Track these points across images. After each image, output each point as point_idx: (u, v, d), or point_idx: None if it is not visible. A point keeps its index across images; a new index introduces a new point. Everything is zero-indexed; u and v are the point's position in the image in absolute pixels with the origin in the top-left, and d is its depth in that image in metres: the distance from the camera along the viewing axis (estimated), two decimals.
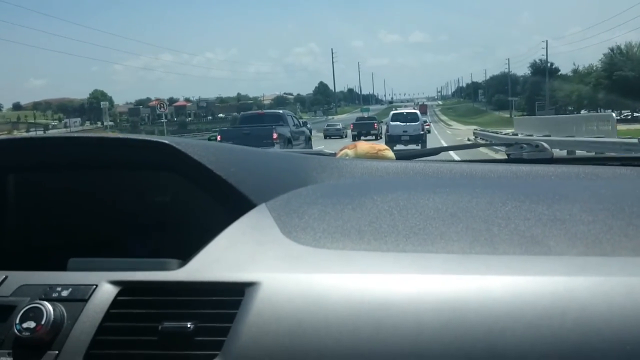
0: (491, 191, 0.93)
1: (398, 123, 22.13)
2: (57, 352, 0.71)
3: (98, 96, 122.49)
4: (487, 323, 0.62)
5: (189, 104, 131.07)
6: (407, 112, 24.17)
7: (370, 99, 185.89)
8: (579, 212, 0.79)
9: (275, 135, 14.48)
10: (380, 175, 1.12)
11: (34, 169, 1.09)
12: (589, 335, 0.60)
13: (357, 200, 0.89)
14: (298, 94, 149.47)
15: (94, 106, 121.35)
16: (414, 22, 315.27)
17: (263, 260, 0.75)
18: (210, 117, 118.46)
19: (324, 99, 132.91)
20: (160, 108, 36.96)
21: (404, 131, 21.61)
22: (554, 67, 74.43)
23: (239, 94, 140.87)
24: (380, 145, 1.37)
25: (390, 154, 1.34)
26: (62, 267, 0.81)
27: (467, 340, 0.62)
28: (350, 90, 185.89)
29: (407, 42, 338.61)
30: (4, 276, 0.79)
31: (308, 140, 17.72)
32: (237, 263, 0.75)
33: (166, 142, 0.95)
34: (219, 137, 15.31)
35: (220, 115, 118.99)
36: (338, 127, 40.79)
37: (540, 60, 75.04)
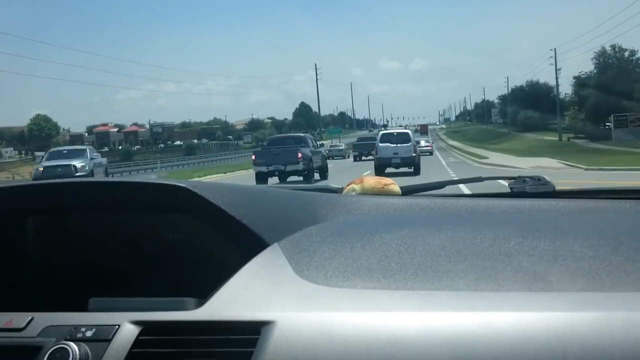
0: (495, 227, 0.95)
1: (388, 144, 20.33)
2: None
3: (41, 122, 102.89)
4: (493, 358, 0.64)
5: (143, 130, 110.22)
6: (397, 133, 21.96)
7: (365, 124, 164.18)
8: (580, 248, 0.81)
9: (300, 155, 17.32)
10: (387, 212, 1.15)
11: (54, 212, 1.13)
12: None
13: (365, 238, 0.91)
14: (273, 118, 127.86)
15: (34, 133, 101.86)
16: (413, 50, 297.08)
17: (278, 300, 0.76)
18: (161, 145, 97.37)
19: (305, 122, 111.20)
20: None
21: (394, 153, 20.05)
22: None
23: (215, 118, 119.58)
24: (387, 180, 1.38)
25: (396, 188, 1.34)
26: (84, 307, 0.84)
27: None
28: (342, 114, 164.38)
29: (407, 70, 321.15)
30: (30, 317, 0.82)
31: (324, 159, 20.56)
32: (253, 302, 0.77)
33: (182, 185, 0.99)
34: (253, 157, 18.60)
35: (177, 142, 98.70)
36: (340, 148, 42.55)
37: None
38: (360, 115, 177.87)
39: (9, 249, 1.14)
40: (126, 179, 1.07)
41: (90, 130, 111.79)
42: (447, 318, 0.69)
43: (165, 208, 1.06)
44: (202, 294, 0.82)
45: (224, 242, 1.00)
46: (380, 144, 20.69)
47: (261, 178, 17.61)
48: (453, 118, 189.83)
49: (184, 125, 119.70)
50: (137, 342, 0.76)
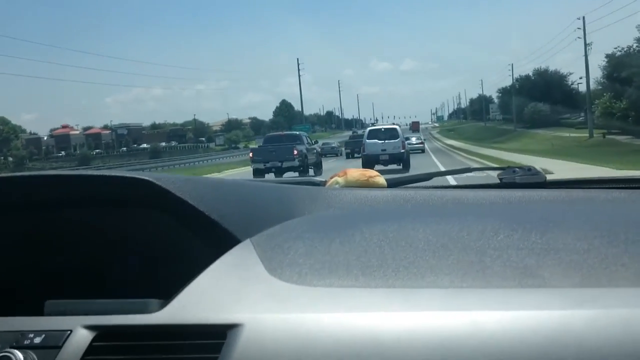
0: (483, 220, 0.91)
1: (375, 141, 19.87)
2: None
3: None
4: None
5: (107, 132, 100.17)
6: (385, 129, 21.68)
7: (353, 123, 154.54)
8: (573, 241, 0.78)
9: (295, 152, 18.25)
10: (370, 204, 1.10)
11: (12, 207, 1.06)
12: None
13: (345, 233, 0.87)
14: (254, 118, 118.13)
15: None
16: (404, 50, 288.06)
17: (246, 300, 0.72)
18: (124, 149, 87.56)
19: (286, 121, 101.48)
20: None
21: (382, 150, 19.59)
22: None
23: (195, 119, 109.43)
24: (371, 172, 1.33)
25: (381, 180, 1.29)
26: (40, 311, 0.79)
27: None
28: (330, 113, 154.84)
29: (398, 70, 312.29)
30: None
31: (319, 155, 21.94)
32: (220, 303, 0.73)
33: (146, 178, 0.93)
34: (250, 154, 19.84)
35: (144, 145, 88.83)
36: (333, 145, 42.59)
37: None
38: (349, 115, 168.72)
39: None
40: (86, 172, 1.00)
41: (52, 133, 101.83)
42: (431, 318, 0.65)
43: (129, 203, 0.99)
44: (168, 295, 0.77)
45: (192, 239, 0.94)
46: (367, 141, 20.04)
47: (258, 175, 17.74)
48: (446, 116, 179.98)
49: (154, 126, 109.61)
50: (90, 349, 0.72)
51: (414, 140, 38.47)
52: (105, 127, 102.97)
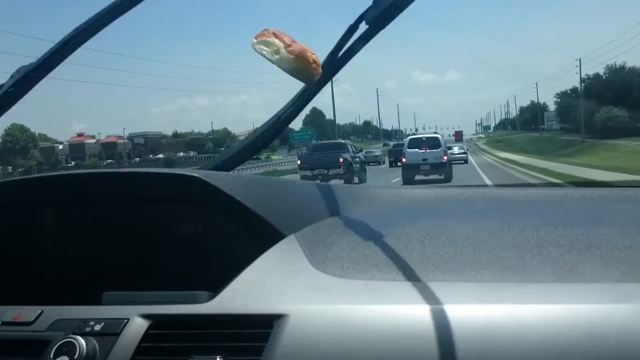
0: (524, 216, 0.92)
1: (416, 150, 19.31)
2: None
3: (15, 133, 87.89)
4: (519, 353, 0.61)
5: (125, 141, 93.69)
6: (426, 137, 20.79)
7: (393, 134, 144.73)
8: (614, 237, 0.77)
9: (341, 160, 18.91)
10: (410, 202, 1.13)
11: (68, 203, 1.11)
12: None
13: (386, 229, 0.89)
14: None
15: (7, 146, 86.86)
16: (448, 61, 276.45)
17: (291, 292, 0.75)
18: (137, 159, 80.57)
19: (316, 131, 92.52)
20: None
21: (423, 159, 18.95)
22: None
23: (212, 128, 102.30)
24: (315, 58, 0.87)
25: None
26: (97, 301, 0.84)
27: None
28: (367, 123, 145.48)
29: (442, 81, 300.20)
30: (39, 311, 0.82)
31: (363, 163, 21.97)
32: (266, 295, 0.76)
33: (195, 175, 0.96)
34: (299, 162, 20.89)
35: (160, 155, 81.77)
36: (376, 154, 43.17)
37: None
38: (388, 125, 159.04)
39: (23, 241, 1.12)
40: (138, 169, 1.04)
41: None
42: (471, 310, 0.66)
43: (179, 199, 1.03)
44: (216, 288, 0.80)
45: (239, 234, 0.97)
46: (407, 150, 19.70)
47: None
48: (492, 127, 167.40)
49: (175, 135, 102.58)
50: (146, 336, 0.75)
51: (456, 149, 35.70)
52: (119, 137, 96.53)
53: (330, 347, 0.67)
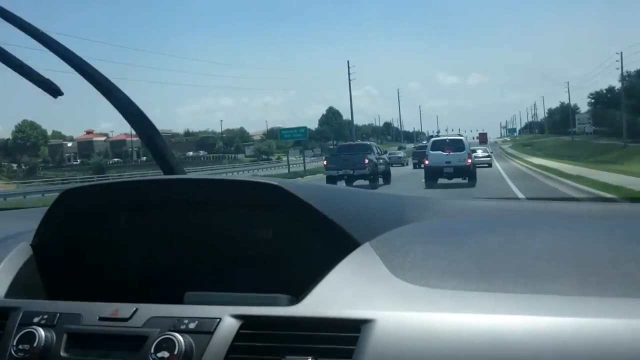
0: (596, 232, 0.94)
1: (439, 152, 18.71)
2: None
3: (26, 129, 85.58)
4: None
5: (132, 139, 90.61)
6: (450, 139, 20.30)
7: (414, 136, 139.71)
8: None
9: (366, 161, 19.27)
10: (475, 215, 1.16)
11: (145, 208, 1.15)
12: None
13: (458, 240, 0.91)
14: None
15: (18, 143, 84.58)
16: (473, 63, 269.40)
17: (375, 298, 0.77)
18: (144, 158, 77.30)
19: (332, 131, 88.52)
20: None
21: (446, 162, 18.38)
22: None
23: (221, 127, 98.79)
24: None
25: None
26: (177, 301, 0.88)
27: None
28: (388, 125, 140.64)
29: (465, 84, 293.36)
30: (134, 308, 0.87)
31: (387, 164, 22.61)
32: (351, 300, 0.78)
33: (275, 184, 0.99)
34: (325, 162, 21.25)
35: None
36: (400, 155, 43.13)
37: None
38: (410, 127, 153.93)
39: (100, 244, 1.16)
40: (218, 176, 1.09)
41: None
42: (555, 323, 0.66)
43: (257, 206, 1.05)
44: (291, 291, 0.83)
45: (313, 240, 0.99)
46: (430, 152, 18.98)
47: (331, 181, 18.47)
48: (518, 130, 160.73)
49: (187, 134, 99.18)
50: (238, 336, 0.78)
51: (480, 153, 35.09)
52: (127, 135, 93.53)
53: (417, 352, 0.68)
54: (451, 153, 18.43)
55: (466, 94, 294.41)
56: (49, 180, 57.46)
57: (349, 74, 76.78)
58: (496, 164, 32.39)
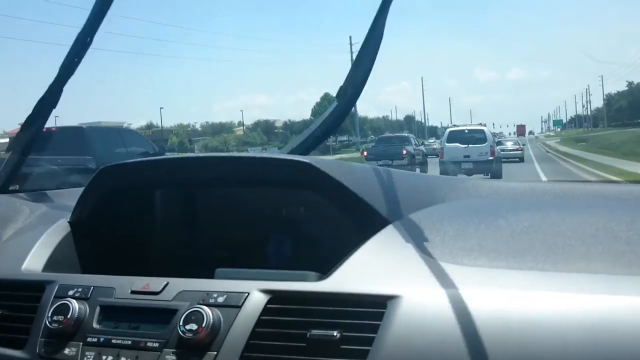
0: (630, 212, 0.92)
1: (457, 145, 16.01)
2: (215, 353, 0.80)
3: None
4: (637, 344, 0.61)
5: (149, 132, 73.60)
6: (469, 130, 17.09)
7: (440, 131, 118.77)
8: None
9: (404, 152, 19.25)
10: (507, 195, 1.15)
11: (182, 185, 1.18)
12: None
13: (489, 219, 0.91)
14: (288, 120, 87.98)
15: None
16: (512, 58, 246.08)
17: (402, 275, 0.78)
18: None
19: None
20: None
21: (464, 156, 15.72)
22: None
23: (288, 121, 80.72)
24: None
25: None
26: (207, 277, 0.90)
27: None
28: (410, 118, 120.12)
29: (505, 79, 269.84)
30: (165, 282, 0.90)
31: (425, 155, 22.69)
32: (377, 277, 0.79)
33: (307, 161, 0.99)
34: (365, 153, 21.14)
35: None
36: (435, 147, 42.18)
37: None
38: (436, 121, 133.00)
39: (137, 220, 1.19)
40: (249, 154, 1.08)
41: None
42: (587, 301, 0.66)
43: (289, 183, 1.06)
44: (320, 268, 0.84)
45: (343, 219, 1.00)
46: (446, 144, 16.36)
47: None
48: (558, 121, 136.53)
49: (149, 126, 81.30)
50: (266, 310, 0.80)
51: (509, 145, 30.01)
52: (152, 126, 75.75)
53: (446, 329, 0.68)
54: (471, 146, 15.64)
55: (505, 89, 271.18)
56: None
57: (351, 50, 59.90)
58: (540, 173, 17.91)
